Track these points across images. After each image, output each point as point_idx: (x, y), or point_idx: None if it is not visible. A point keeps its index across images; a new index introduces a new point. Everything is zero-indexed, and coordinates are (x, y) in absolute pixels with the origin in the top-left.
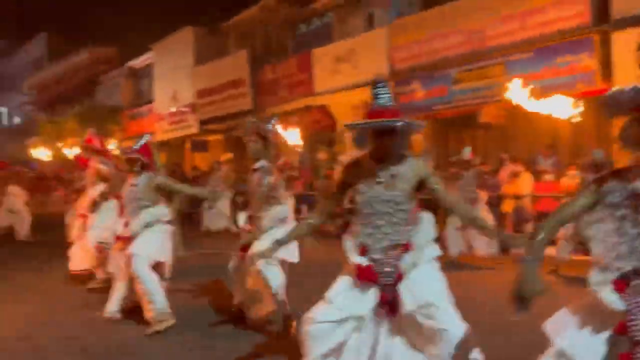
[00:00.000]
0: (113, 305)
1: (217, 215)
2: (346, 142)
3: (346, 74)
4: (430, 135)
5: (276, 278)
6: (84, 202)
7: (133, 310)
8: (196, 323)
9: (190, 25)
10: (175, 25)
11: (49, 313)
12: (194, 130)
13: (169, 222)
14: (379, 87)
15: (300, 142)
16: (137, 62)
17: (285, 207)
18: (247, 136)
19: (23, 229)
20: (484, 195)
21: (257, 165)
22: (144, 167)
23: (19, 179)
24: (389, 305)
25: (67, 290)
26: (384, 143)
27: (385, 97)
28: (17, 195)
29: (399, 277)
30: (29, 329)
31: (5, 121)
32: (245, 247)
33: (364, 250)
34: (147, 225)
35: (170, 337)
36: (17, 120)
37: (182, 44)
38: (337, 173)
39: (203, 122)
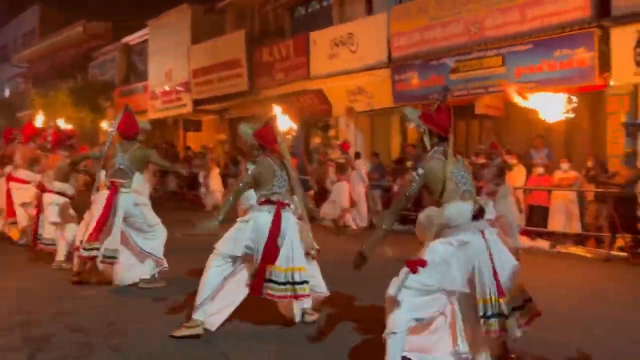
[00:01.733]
0: None
1: (211, 196)
2: (340, 127)
3: (343, 59)
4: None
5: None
6: None
7: (129, 290)
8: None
9: (187, 2)
10: (172, 1)
11: (48, 290)
12: (188, 110)
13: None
14: None
15: (294, 126)
16: (132, 39)
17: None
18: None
19: None
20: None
21: None
22: None
23: None
24: None
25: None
26: None
27: None
28: None
29: None
30: (26, 305)
31: None
32: None
33: None
34: None
35: (166, 320)
36: (7, 93)
37: (178, 22)
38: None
39: (197, 102)
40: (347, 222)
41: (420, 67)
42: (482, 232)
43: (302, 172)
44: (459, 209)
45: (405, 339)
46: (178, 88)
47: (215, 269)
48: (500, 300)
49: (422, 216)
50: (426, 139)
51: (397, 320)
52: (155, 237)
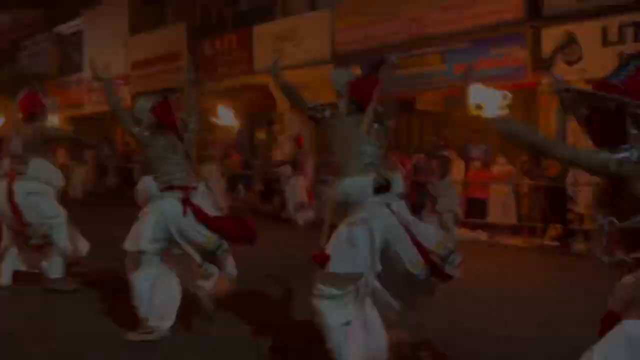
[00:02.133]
0: None
1: None
2: (285, 122)
3: (287, 54)
4: None
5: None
6: None
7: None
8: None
9: None
10: None
11: None
12: (127, 103)
13: None
14: None
15: (237, 121)
16: (66, 28)
17: None
18: None
19: None
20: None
21: None
22: None
23: None
24: None
25: None
26: None
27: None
28: None
29: None
30: None
31: None
32: None
33: None
34: None
35: (99, 323)
36: None
37: (115, 11)
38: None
39: (136, 96)
40: (295, 217)
41: (363, 64)
42: (389, 206)
43: (247, 167)
44: (355, 182)
45: (347, 347)
46: (116, 81)
47: (139, 273)
48: (430, 256)
49: (324, 196)
50: (342, 103)
51: (331, 333)
52: (53, 231)
